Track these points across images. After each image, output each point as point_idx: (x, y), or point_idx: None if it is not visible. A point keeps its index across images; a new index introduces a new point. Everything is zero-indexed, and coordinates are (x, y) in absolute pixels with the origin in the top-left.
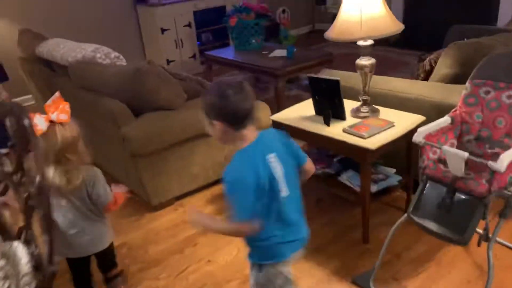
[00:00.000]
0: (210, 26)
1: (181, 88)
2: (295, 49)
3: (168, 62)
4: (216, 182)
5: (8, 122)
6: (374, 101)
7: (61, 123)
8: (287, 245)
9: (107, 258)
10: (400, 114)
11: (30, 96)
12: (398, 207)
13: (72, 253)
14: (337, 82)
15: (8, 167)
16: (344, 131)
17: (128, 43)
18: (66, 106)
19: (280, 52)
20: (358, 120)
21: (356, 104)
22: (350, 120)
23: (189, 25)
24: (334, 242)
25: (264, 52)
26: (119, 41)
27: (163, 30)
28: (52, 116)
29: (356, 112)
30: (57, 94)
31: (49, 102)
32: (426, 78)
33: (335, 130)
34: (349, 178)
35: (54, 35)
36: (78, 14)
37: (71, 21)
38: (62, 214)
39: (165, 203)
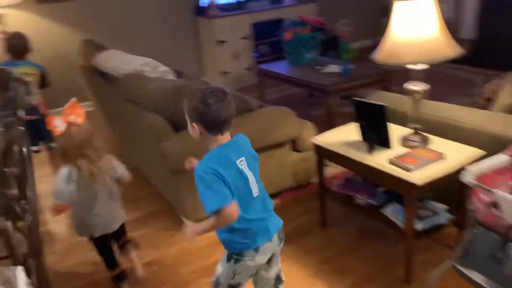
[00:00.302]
0: (268, 38)
1: None
2: (350, 66)
3: (224, 73)
4: None
5: None
6: (426, 128)
7: (77, 125)
8: (264, 235)
9: (121, 229)
10: (454, 145)
11: (90, 103)
12: (448, 245)
13: (106, 230)
14: (382, 108)
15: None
16: (389, 161)
17: (187, 54)
18: (81, 110)
19: (334, 68)
20: (406, 149)
21: (408, 131)
22: (397, 149)
23: (246, 37)
24: (374, 279)
25: (317, 67)
26: (179, 52)
27: (220, 42)
28: (70, 119)
29: (405, 141)
30: (74, 99)
31: (67, 106)
32: (487, 107)
33: (379, 160)
34: (393, 212)
35: (115, 45)
36: (139, 24)
37: (133, 31)
38: (91, 199)
39: (202, 220)
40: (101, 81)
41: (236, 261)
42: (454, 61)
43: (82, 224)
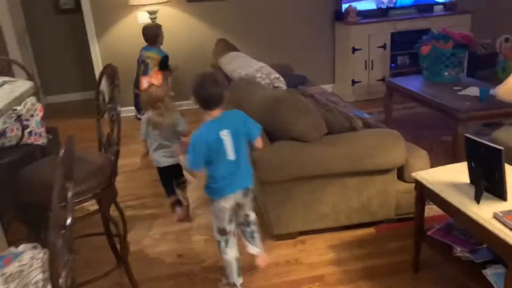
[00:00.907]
0: (410, 49)
1: (322, 121)
2: (491, 91)
3: (354, 82)
4: (347, 228)
5: None
6: None
7: (156, 85)
8: (228, 188)
9: (178, 169)
10: None
11: None
12: None
13: (162, 164)
14: (499, 152)
15: None
16: (495, 216)
17: (321, 59)
18: (159, 76)
19: (474, 91)
20: None
21: None
22: None
23: (383, 46)
24: None
25: (455, 88)
26: (313, 56)
27: (354, 50)
28: (152, 80)
29: None
30: (156, 68)
31: (150, 73)
32: None
33: (484, 212)
34: (495, 276)
35: (250, 46)
36: (277, 26)
37: (270, 33)
38: (154, 139)
39: (286, 235)
40: None
41: (214, 205)
42: None
43: (151, 156)
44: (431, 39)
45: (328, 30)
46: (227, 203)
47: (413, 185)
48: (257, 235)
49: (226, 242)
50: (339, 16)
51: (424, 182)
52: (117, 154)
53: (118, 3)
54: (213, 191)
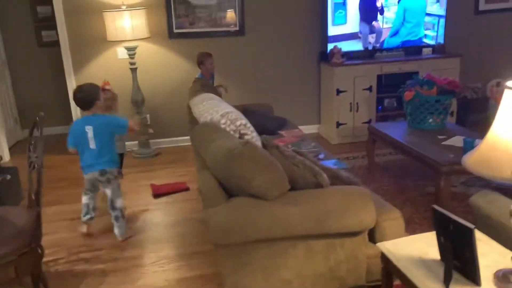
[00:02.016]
0: (396, 92)
1: (284, 176)
2: (476, 142)
3: (338, 124)
4: None
5: None
6: None
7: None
8: (88, 168)
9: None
10: None
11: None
12: None
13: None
14: (469, 231)
15: None
16: None
17: (306, 100)
18: (107, 85)
19: (460, 141)
20: None
21: (510, 264)
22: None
23: (369, 88)
24: None
25: (440, 137)
26: (299, 96)
27: (338, 91)
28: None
29: (502, 280)
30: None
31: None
32: None
33: None
34: None
35: (232, 85)
36: (263, 64)
37: (255, 71)
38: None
39: None
40: (193, 125)
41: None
42: None
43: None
44: (415, 84)
45: (314, 71)
46: (87, 176)
47: None
48: (121, 220)
49: (84, 194)
50: (324, 57)
51: (389, 255)
52: (38, 216)
53: (97, 37)
54: (81, 167)
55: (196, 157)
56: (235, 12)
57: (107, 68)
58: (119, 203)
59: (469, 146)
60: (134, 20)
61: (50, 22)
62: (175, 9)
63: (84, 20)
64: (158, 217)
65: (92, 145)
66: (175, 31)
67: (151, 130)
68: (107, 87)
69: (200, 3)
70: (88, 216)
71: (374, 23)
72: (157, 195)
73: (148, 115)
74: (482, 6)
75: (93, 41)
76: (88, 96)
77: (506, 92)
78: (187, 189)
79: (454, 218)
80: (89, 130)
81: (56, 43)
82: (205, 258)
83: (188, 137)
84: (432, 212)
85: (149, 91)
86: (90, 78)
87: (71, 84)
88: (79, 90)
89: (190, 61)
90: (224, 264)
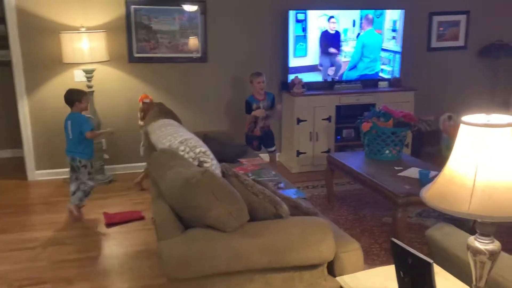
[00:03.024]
0: (354, 123)
1: (243, 207)
2: (431, 174)
3: (298, 153)
4: None
5: None
6: None
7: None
8: (68, 152)
9: None
10: None
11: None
12: None
13: None
14: (428, 265)
15: None
16: None
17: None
18: (145, 99)
19: (415, 173)
20: None
21: None
22: None
23: (329, 119)
24: None
25: (396, 168)
26: None
27: (299, 121)
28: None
29: None
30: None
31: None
32: None
33: None
34: None
35: (192, 111)
36: (221, 89)
37: (215, 99)
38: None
39: None
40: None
41: None
42: None
43: None
44: (372, 116)
45: (276, 100)
46: (68, 159)
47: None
48: (82, 194)
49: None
50: (285, 87)
51: (346, 287)
52: None
53: (53, 59)
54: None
55: (152, 185)
56: (198, 39)
57: (63, 90)
58: (90, 183)
59: (424, 178)
60: (93, 43)
61: (3, 41)
62: (136, 33)
63: (39, 40)
64: (110, 248)
65: (70, 135)
66: (136, 55)
67: (106, 156)
68: (145, 100)
69: (162, 29)
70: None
71: (334, 55)
72: (110, 224)
73: (104, 140)
74: (434, 44)
75: (49, 63)
76: (69, 96)
77: (462, 127)
78: (142, 218)
79: (413, 251)
80: (69, 123)
81: (9, 63)
82: None
83: (144, 164)
84: (391, 245)
85: (106, 115)
86: (45, 100)
87: (23, 106)
88: (68, 91)
89: (150, 86)
90: None
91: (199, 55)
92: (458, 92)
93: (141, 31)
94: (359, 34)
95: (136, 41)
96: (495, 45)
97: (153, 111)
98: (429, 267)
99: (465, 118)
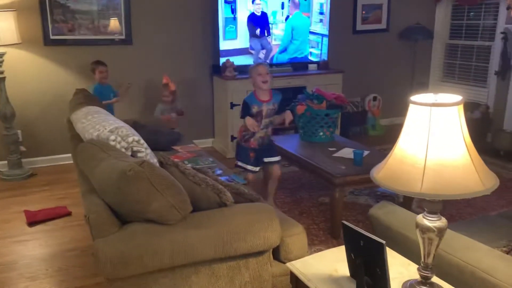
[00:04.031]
0: (288, 106)
1: (186, 198)
2: (364, 153)
3: (233, 138)
4: None
5: None
6: (442, 273)
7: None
8: None
9: None
10: None
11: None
12: None
13: None
14: (381, 246)
15: None
16: None
17: (200, 113)
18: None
19: (348, 153)
20: None
21: (414, 275)
22: None
23: None
24: None
25: (330, 149)
26: (192, 110)
27: (232, 105)
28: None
29: None
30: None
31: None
32: None
33: None
34: None
35: (134, 97)
36: (149, 74)
37: (140, 82)
38: None
39: None
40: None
41: None
42: (493, 154)
43: None
44: (306, 98)
45: (207, 84)
46: None
47: None
48: None
49: None
50: (217, 70)
51: (300, 275)
52: None
53: None
54: None
55: (80, 179)
56: (119, 21)
57: None
58: None
59: (358, 158)
60: (1, 23)
61: None
62: (51, 13)
63: None
64: (35, 249)
65: None
66: (52, 37)
67: (23, 148)
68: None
69: (80, 8)
70: None
71: (264, 38)
72: (32, 222)
73: (19, 131)
74: (359, 27)
75: None
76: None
77: (411, 107)
78: (68, 213)
79: (365, 233)
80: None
81: None
82: None
83: (68, 155)
84: (342, 228)
85: (20, 104)
86: None
87: None
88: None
89: (70, 71)
90: None
91: (122, 37)
92: (382, 74)
93: (57, 10)
94: (288, 16)
95: (51, 22)
96: (414, 28)
97: (75, 97)
98: (381, 248)
99: (413, 97)
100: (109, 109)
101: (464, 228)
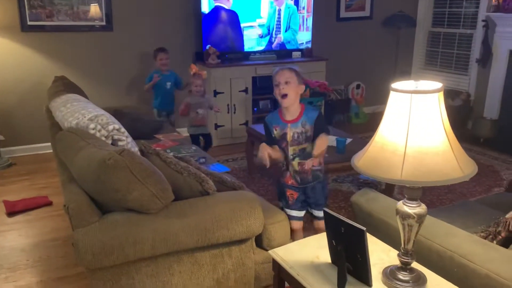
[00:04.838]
0: (271, 94)
1: (167, 186)
2: (347, 141)
3: (217, 127)
4: None
5: None
6: (422, 258)
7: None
8: None
9: None
10: None
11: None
12: None
13: None
14: (361, 232)
15: None
16: None
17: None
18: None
19: (332, 141)
20: None
21: (395, 261)
22: (378, 287)
23: (245, 90)
24: None
25: None
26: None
27: (216, 93)
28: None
29: (390, 277)
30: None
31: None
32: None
33: None
34: None
35: (97, 86)
36: (130, 61)
37: (125, 69)
38: None
39: None
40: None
41: None
42: (473, 141)
43: None
44: None
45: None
46: None
47: None
48: None
49: None
50: (200, 57)
51: (281, 263)
52: None
53: None
54: None
55: (60, 168)
56: (99, 7)
57: None
58: None
59: (341, 146)
60: None
61: None
62: None
63: None
64: (15, 240)
65: None
66: (29, 23)
67: (1, 137)
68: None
69: None
70: None
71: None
72: (11, 213)
73: None
74: (343, 14)
75: None
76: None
77: (391, 94)
78: (49, 203)
79: (346, 220)
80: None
81: None
82: (76, 283)
83: (48, 144)
84: (323, 215)
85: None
86: None
87: None
88: None
89: (49, 58)
90: None
91: (103, 23)
92: (365, 62)
93: None
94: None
95: (28, 7)
96: (397, 16)
97: (54, 85)
98: (361, 234)
99: (394, 85)
100: (167, 97)
101: (444, 214)
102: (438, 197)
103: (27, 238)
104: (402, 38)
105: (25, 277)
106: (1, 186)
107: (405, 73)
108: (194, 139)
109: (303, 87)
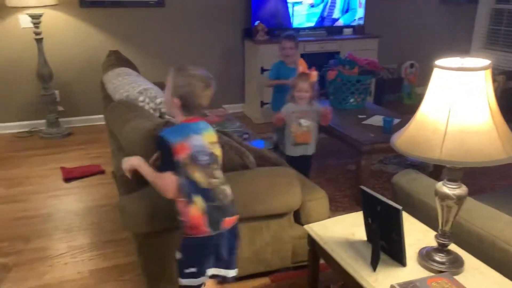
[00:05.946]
0: (319, 71)
1: None
2: (395, 121)
3: (262, 104)
4: (240, 279)
5: None
6: (461, 241)
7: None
8: None
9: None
10: (501, 281)
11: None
12: None
13: None
14: (397, 211)
15: None
16: None
17: (230, 78)
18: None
19: (379, 120)
20: (426, 273)
21: (432, 241)
22: (413, 267)
23: None
24: None
25: (360, 116)
26: (222, 74)
27: (263, 70)
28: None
29: (426, 258)
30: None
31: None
32: None
33: (380, 284)
34: None
35: (149, 60)
36: (181, 37)
37: (176, 45)
38: None
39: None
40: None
41: None
42: None
43: None
44: (337, 64)
45: (238, 48)
46: None
47: None
48: None
49: None
50: (248, 34)
51: (316, 238)
52: None
53: None
54: None
55: (110, 138)
56: None
57: (7, 38)
58: None
59: (388, 126)
60: None
61: None
62: None
63: None
64: (70, 203)
65: None
66: None
67: (61, 108)
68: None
69: None
70: None
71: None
72: (68, 179)
73: (57, 91)
74: None
75: None
76: None
77: (435, 71)
78: (102, 171)
79: (382, 199)
80: None
81: None
82: (122, 247)
83: (102, 116)
84: (360, 193)
85: (58, 65)
86: None
87: None
88: None
89: (104, 32)
90: (143, 253)
91: None
92: (420, 40)
93: None
94: None
95: None
96: None
97: (108, 59)
98: (397, 213)
99: (438, 62)
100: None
101: (491, 200)
102: (490, 182)
103: (80, 203)
104: (462, 15)
105: (78, 239)
106: (60, 154)
107: (464, 53)
108: (294, 161)
109: None
